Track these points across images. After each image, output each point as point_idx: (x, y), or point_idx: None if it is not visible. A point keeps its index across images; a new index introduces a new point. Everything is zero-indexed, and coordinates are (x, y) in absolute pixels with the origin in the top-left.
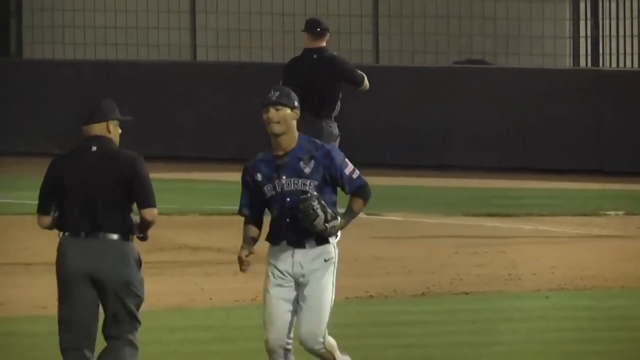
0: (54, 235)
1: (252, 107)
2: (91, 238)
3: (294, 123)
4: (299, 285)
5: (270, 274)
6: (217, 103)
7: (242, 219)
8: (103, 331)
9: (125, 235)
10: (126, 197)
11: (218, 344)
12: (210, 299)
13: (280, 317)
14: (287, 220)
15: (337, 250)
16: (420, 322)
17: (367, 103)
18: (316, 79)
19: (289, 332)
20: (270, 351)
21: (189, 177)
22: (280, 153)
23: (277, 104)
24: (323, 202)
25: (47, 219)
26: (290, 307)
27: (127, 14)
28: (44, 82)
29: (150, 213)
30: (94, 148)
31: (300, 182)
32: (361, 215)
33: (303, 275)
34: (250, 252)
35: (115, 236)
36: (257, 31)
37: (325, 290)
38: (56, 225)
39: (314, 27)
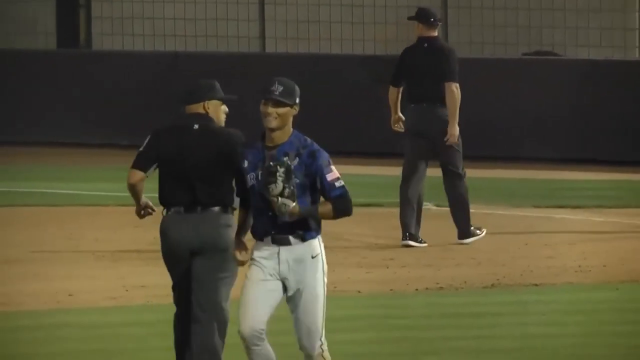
0: (122, 226)
1: (319, 97)
2: (191, 213)
3: (291, 119)
4: (287, 287)
5: (255, 267)
6: None
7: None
8: (194, 299)
9: (225, 209)
10: (225, 172)
11: (285, 335)
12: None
13: (256, 307)
14: (270, 213)
15: (322, 245)
16: (490, 314)
17: None
18: (427, 68)
19: (263, 323)
20: (243, 339)
21: None
22: (271, 145)
23: (278, 102)
24: (293, 179)
25: (139, 174)
26: (271, 302)
27: (196, 5)
28: (113, 74)
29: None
30: (195, 126)
31: None
32: (431, 206)
33: (289, 273)
34: (243, 249)
35: (215, 209)
36: (326, 22)
37: (317, 291)
38: (160, 201)
39: (427, 17)
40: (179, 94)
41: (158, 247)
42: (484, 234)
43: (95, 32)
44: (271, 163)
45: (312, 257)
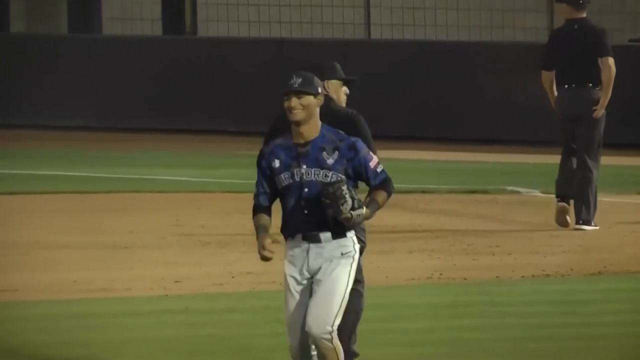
0: (229, 213)
1: (424, 84)
2: None
3: (317, 110)
4: (313, 280)
5: (288, 277)
6: (391, 81)
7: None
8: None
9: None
10: None
11: (391, 322)
12: (386, 277)
13: (299, 327)
14: (305, 212)
15: (357, 245)
16: (597, 301)
17: None
18: (578, 50)
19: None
20: (293, 358)
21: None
22: (302, 141)
23: (299, 92)
24: (352, 189)
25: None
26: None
27: None
28: (218, 61)
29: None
30: None
31: (322, 174)
32: (541, 194)
33: (318, 273)
34: (273, 240)
35: None
36: (430, 9)
37: (339, 281)
38: None
39: (576, 0)
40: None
41: None
42: (596, 228)
43: (200, 19)
44: (330, 189)
45: (342, 254)
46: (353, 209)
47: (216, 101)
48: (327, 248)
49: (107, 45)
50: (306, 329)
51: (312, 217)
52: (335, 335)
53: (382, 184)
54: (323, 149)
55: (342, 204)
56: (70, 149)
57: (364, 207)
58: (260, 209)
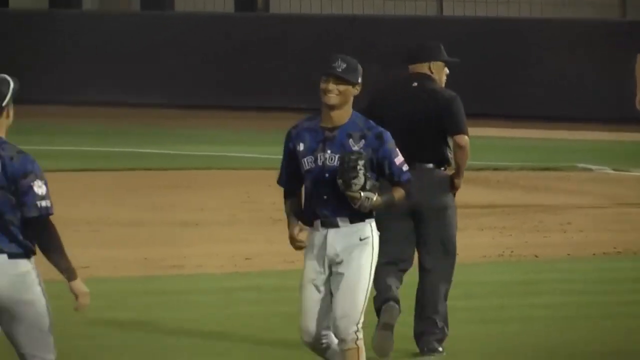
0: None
1: (495, 61)
2: (410, 169)
3: (352, 99)
4: (333, 269)
5: (307, 264)
6: (462, 58)
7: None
8: (419, 261)
9: (440, 165)
10: (441, 130)
11: (462, 300)
12: (457, 254)
13: (312, 318)
14: (325, 197)
15: (376, 233)
16: None
17: None
18: None
19: (323, 329)
20: (307, 345)
21: None
22: (329, 126)
23: (340, 79)
24: (370, 173)
25: None
26: (325, 306)
27: None
28: (289, 37)
29: (460, 138)
30: (415, 84)
31: None
32: (612, 171)
33: (337, 255)
34: (301, 229)
35: (430, 165)
36: None
37: (361, 273)
38: None
39: None
40: (406, 53)
41: None
42: None
43: None
44: (351, 156)
45: (360, 240)
46: (363, 189)
47: (288, 78)
48: (344, 233)
49: (179, 22)
50: (332, 329)
51: (331, 202)
52: (361, 335)
53: (404, 183)
54: (350, 136)
55: (354, 178)
56: (142, 126)
57: (376, 194)
58: (290, 194)
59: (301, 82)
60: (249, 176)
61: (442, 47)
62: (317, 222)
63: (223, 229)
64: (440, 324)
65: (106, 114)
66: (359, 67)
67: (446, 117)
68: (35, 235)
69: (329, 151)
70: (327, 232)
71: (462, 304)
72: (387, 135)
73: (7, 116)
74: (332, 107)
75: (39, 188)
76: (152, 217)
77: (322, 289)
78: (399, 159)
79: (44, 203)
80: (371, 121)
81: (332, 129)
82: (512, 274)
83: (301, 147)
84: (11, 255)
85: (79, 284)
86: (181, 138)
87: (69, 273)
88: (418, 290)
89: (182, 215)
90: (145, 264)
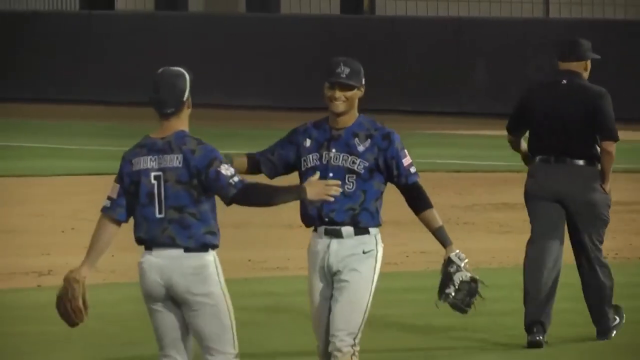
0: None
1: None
2: (560, 163)
3: (357, 102)
4: (334, 279)
5: (311, 272)
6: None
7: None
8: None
9: (591, 162)
10: (591, 128)
11: (572, 302)
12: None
13: (324, 328)
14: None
15: (381, 245)
16: None
17: None
18: None
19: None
20: (320, 356)
21: None
22: (337, 127)
23: (345, 85)
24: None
25: (509, 137)
26: (328, 315)
27: None
28: (396, 40)
29: (609, 145)
30: (564, 81)
31: (349, 160)
32: None
33: (339, 267)
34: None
35: (580, 162)
36: None
37: (362, 285)
38: (529, 149)
39: None
40: (555, 50)
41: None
42: None
43: None
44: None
45: (364, 253)
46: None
47: (393, 80)
48: (348, 245)
49: (285, 24)
50: (330, 338)
51: (335, 204)
52: (357, 349)
53: (413, 186)
54: (356, 135)
55: (448, 291)
56: (248, 129)
57: (456, 255)
58: (255, 160)
59: (406, 85)
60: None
61: (589, 45)
62: (322, 229)
63: None
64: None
65: (210, 115)
66: (361, 68)
67: (597, 116)
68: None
69: (333, 150)
70: (330, 241)
71: (571, 306)
72: (396, 136)
73: (188, 106)
74: (339, 115)
75: (226, 170)
76: (259, 219)
77: (326, 302)
78: (407, 160)
79: (235, 179)
80: (378, 122)
81: (339, 129)
82: (617, 276)
83: (307, 143)
84: (188, 249)
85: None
86: None
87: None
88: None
89: (287, 218)
90: (249, 266)
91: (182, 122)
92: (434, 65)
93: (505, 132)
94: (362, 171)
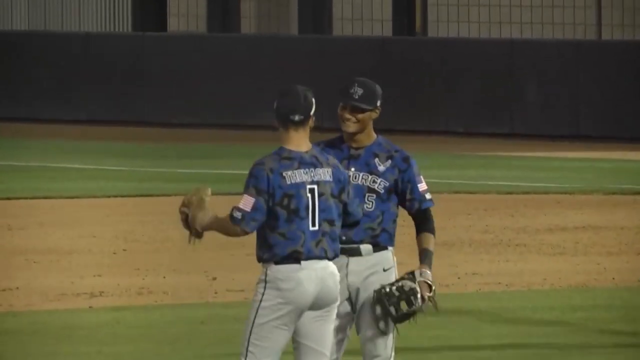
0: (455, 214)
1: None
2: None
3: (371, 123)
4: (355, 303)
5: None
6: (621, 81)
7: None
8: None
9: None
10: None
11: (621, 323)
12: (613, 278)
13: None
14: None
15: (395, 258)
16: None
17: None
18: None
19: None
20: None
21: (593, 156)
22: (355, 145)
23: (356, 108)
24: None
25: None
26: (341, 336)
27: None
28: (448, 61)
29: None
30: None
31: (370, 179)
32: None
33: (358, 289)
34: None
35: None
36: None
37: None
38: None
39: None
40: None
41: (490, 235)
42: None
43: (430, 19)
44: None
45: (384, 270)
46: (407, 300)
47: (445, 102)
48: (367, 263)
49: (337, 45)
50: None
51: (352, 225)
52: None
53: (426, 216)
54: (376, 155)
55: (397, 304)
56: None
57: (420, 272)
58: None
59: (459, 106)
60: None
61: None
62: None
63: None
64: None
65: (263, 137)
66: (378, 90)
67: None
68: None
69: (352, 169)
70: (347, 260)
71: (621, 328)
72: (413, 160)
73: (312, 122)
74: (351, 135)
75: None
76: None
77: (339, 319)
78: (423, 185)
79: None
80: (396, 144)
81: (357, 148)
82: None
83: None
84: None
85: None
86: None
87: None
88: None
89: None
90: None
91: (307, 135)
92: (486, 87)
93: (557, 154)
94: (382, 191)
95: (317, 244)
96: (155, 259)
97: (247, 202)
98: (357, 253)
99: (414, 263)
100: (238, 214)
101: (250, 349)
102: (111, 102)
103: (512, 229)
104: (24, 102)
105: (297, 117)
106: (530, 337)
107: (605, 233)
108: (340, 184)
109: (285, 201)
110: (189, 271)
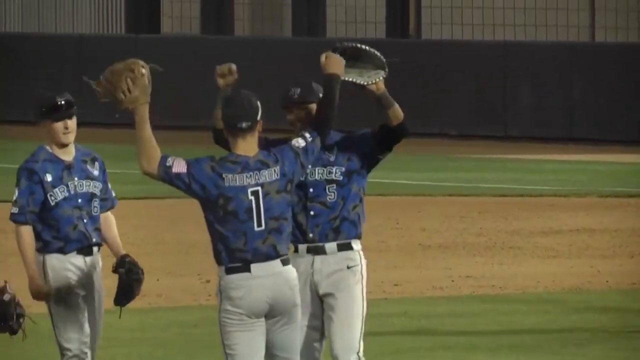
0: (450, 217)
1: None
2: None
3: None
4: (323, 298)
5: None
6: (615, 84)
7: None
8: None
9: None
10: None
11: (615, 326)
12: (607, 281)
13: (307, 347)
14: (311, 212)
15: (364, 261)
16: None
17: None
18: None
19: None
20: None
21: (586, 159)
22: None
23: (301, 103)
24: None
25: None
26: (317, 336)
27: None
28: (442, 63)
29: None
30: None
31: (325, 171)
32: None
33: (326, 285)
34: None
35: None
36: None
37: (355, 301)
38: None
39: None
40: None
41: (484, 238)
42: None
43: (424, 22)
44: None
45: (348, 268)
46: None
47: (439, 104)
48: (332, 261)
49: (330, 48)
50: (332, 357)
51: (319, 218)
52: (362, 357)
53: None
54: (325, 148)
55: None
56: None
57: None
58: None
59: (452, 109)
60: (399, 202)
61: None
62: (303, 247)
63: (372, 255)
64: None
65: None
66: (314, 84)
67: None
68: None
69: (310, 166)
70: (313, 259)
71: (615, 331)
72: (356, 131)
73: (260, 127)
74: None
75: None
76: None
77: (311, 334)
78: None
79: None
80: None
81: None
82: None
83: None
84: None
85: None
86: None
87: None
88: None
89: None
90: None
91: (255, 140)
92: (479, 90)
93: (551, 156)
94: (341, 177)
95: (264, 241)
96: (148, 262)
97: (181, 164)
98: (322, 252)
99: (406, 265)
100: (169, 160)
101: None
102: (104, 104)
103: (506, 231)
104: (18, 105)
105: (244, 125)
106: (524, 340)
107: (599, 236)
108: (286, 177)
109: (221, 201)
110: (183, 274)
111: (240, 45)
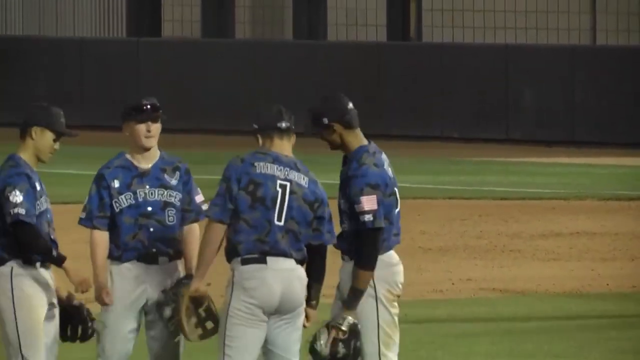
0: (450, 220)
1: None
2: None
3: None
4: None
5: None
6: (617, 86)
7: None
8: None
9: None
10: None
11: (615, 330)
12: (607, 284)
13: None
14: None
15: (379, 286)
16: None
17: None
18: None
19: None
20: None
21: (588, 162)
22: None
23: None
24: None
25: None
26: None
27: None
28: (443, 66)
29: None
30: None
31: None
32: None
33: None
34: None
35: None
36: None
37: (367, 317)
38: None
39: None
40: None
41: (484, 240)
42: None
43: (425, 25)
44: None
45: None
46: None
47: (440, 107)
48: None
49: (331, 51)
50: None
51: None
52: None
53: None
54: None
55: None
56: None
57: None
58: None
59: (453, 112)
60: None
61: None
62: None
63: None
64: None
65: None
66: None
67: None
68: None
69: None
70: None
71: (615, 334)
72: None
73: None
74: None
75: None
76: None
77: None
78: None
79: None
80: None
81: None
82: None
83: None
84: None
85: None
86: (326, 167)
87: None
88: None
89: None
90: None
91: (290, 147)
92: (480, 92)
93: (552, 159)
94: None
95: (283, 237)
96: None
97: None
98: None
99: (406, 268)
100: (212, 210)
101: (226, 351)
102: (106, 107)
103: (507, 234)
104: (19, 108)
105: (283, 125)
106: (525, 342)
107: (599, 239)
108: (316, 196)
109: (251, 187)
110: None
111: (240, 48)
